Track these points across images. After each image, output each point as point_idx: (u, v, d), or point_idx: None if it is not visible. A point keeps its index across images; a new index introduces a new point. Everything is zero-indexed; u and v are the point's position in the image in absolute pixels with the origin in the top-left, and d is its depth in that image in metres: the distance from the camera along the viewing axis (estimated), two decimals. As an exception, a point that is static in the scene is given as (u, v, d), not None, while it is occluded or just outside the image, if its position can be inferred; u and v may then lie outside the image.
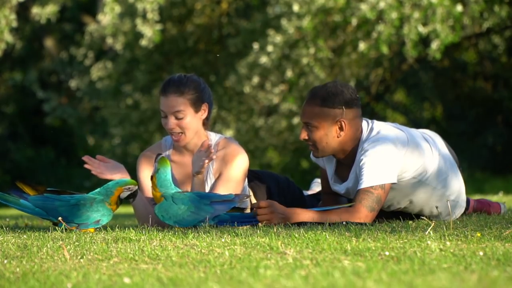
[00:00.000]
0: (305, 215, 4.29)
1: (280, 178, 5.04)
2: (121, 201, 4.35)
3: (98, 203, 4.29)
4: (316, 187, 5.51)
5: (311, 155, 4.64)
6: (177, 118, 4.56)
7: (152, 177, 4.36)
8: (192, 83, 4.59)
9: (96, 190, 4.38)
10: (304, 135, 4.44)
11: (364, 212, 4.28)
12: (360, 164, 4.36)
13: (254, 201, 4.82)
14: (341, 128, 4.40)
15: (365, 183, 4.31)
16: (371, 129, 4.46)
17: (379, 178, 4.32)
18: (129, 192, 4.35)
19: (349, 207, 4.38)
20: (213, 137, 4.70)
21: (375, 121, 4.53)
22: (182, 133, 4.59)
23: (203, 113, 4.61)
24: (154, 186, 4.34)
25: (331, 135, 4.40)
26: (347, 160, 4.50)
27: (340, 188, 4.57)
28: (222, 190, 4.54)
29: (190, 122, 4.58)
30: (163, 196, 4.30)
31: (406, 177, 4.45)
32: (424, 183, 4.50)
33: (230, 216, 4.31)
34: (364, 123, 4.50)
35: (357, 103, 4.44)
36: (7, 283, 2.97)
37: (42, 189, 4.39)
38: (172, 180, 4.42)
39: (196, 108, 4.58)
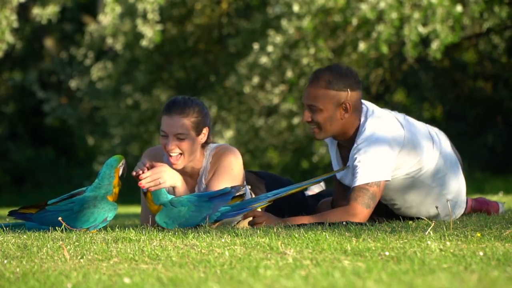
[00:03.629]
0: (303, 220, 4.29)
1: (283, 180, 5.03)
2: (121, 180, 4.42)
3: (101, 200, 4.30)
4: (314, 187, 5.50)
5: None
6: (178, 139, 4.50)
7: (145, 193, 4.37)
8: (196, 106, 4.55)
9: (93, 185, 4.37)
10: (307, 117, 4.43)
11: (359, 209, 4.28)
12: (354, 163, 4.36)
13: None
14: (345, 110, 4.39)
15: (359, 181, 4.31)
16: (369, 121, 4.44)
17: (374, 175, 4.31)
18: (122, 167, 4.43)
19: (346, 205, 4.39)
20: (210, 148, 4.67)
21: (375, 111, 4.49)
22: (181, 154, 4.54)
23: (203, 137, 4.58)
24: (150, 201, 4.36)
25: (335, 118, 4.40)
26: (348, 143, 4.48)
27: (342, 173, 4.55)
28: (216, 186, 4.54)
29: (191, 145, 4.53)
30: (161, 204, 4.32)
31: (399, 174, 4.45)
32: (417, 180, 4.49)
33: (231, 206, 4.31)
34: (364, 109, 4.48)
35: (360, 86, 4.45)
36: (7, 283, 2.97)
37: (44, 203, 4.38)
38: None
39: (198, 131, 4.54)
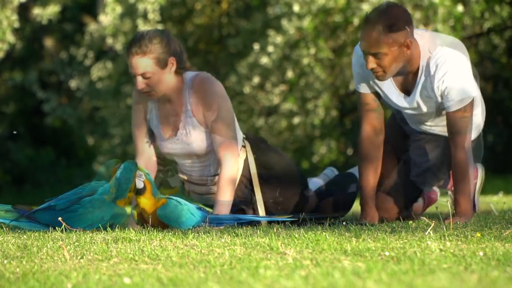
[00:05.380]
0: (467, 199, 4.39)
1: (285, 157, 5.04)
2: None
3: (109, 205, 4.22)
4: (320, 180, 5.50)
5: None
6: (144, 78, 4.58)
7: (143, 189, 4.27)
8: (154, 40, 4.58)
9: (106, 186, 4.28)
10: (372, 65, 4.39)
11: (467, 138, 4.38)
12: (443, 90, 4.40)
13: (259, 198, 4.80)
14: (408, 47, 4.39)
15: (455, 107, 4.39)
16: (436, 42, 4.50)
17: (466, 96, 4.39)
18: (142, 180, 4.25)
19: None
20: (188, 76, 4.71)
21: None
22: (152, 90, 4.61)
23: (171, 67, 4.63)
24: (149, 194, 4.28)
25: (401, 57, 4.39)
26: (410, 71, 4.49)
27: (407, 102, 4.54)
28: (221, 130, 4.62)
29: (158, 79, 4.59)
30: (159, 197, 4.28)
31: None
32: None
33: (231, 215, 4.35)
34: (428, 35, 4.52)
35: (411, 17, 4.47)
36: (7, 283, 2.97)
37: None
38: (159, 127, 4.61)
39: (162, 65, 4.59)
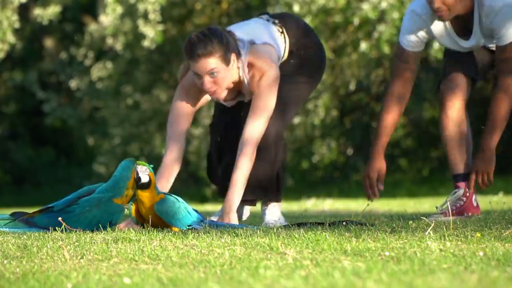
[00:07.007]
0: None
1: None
2: (138, 185, 4.23)
3: (106, 203, 4.21)
4: None
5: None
6: (212, 76, 4.66)
7: (148, 183, 4.28)
8: (215, 39, 4.65)
9: (104, 185, 4.29)
10: (438, 3, 4.59)
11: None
12: (495, 27, 4.59)
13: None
14: None
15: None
16: None
17: None
18: (147, 174, 4.21)
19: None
20: (242, 65, 4.77)
21: None
22: (218, 88, 4.71)
23: (233, 63, 4.70)
24: (152, 187, 4.28)
25: None
26: (466, 13, 4.67)
27: (468, 43, 4.75)
28: (256, 122, 4.70)
29: (224, 76, 4.68)
30: (165, 194, 4.29)
31: None
32: None
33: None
34: None
35: None
36: (7, 283, 2.97)
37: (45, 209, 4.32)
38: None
39: (227, 61, 4.67)
